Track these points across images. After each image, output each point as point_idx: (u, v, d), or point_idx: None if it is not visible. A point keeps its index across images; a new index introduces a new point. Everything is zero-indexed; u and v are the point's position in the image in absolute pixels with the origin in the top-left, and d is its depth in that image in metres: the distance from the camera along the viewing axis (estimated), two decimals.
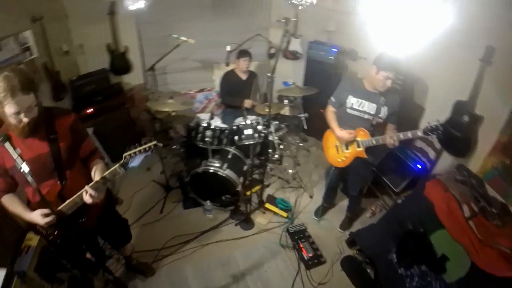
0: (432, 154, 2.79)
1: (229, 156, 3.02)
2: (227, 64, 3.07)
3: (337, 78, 3.35)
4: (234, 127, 2.98)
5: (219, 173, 2.80)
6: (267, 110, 2.53)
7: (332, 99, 2.46)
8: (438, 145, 2.67)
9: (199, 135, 2.94)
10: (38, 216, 1.51)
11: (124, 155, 1.52)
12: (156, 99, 2.96)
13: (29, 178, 1.51)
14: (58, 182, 1.60)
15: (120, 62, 3.48)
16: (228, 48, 2.93)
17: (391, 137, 2.11)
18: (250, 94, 3.43)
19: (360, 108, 2.32)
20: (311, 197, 3.28)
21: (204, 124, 2.94)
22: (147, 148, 1.52)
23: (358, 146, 2.35)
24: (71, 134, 1.64)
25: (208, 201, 3.00)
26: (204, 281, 2.49)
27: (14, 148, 1.48)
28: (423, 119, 2.83)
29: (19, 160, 1.48)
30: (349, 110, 2.37)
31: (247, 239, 2.83)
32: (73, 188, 1.56)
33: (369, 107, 2.28)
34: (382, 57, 2.16)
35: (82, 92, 3.24)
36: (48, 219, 1.51)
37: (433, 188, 2.15)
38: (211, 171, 2.81)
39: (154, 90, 3.23)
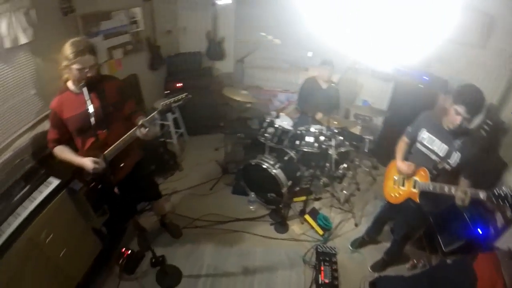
0: (500, 221, 2.31)
1: (285, 158, 3.08)
2: (306, 69, 3.12)
3: (425, 108, 3.02)
4: (298, 132, 3.02)
5: (269, 170, 2.89)
6: (335, 122, 2.49)
7: (409, 129, 2.22)
8: (510, 214, 2.20)
9: (262, 130, 3.08)
10: (88, 161, 1.82)
11: (161, 103, 1.81)
12: (232, 86, 3.21)
13: (92, 119, 1.77)
14: (105, 131, 1.93)
15: (215, 49, 3.88)
16: (310, 54, 2.98)
17: (463, 191, 1.71)
18: (327, 106, 3.36)
19: (428, 145, 2.05)
20: (356, 225, 3.09)
21: (268, 121, 3.06)
22: (180, 99, 1.80)
23: (414, 187, 2.10)
24: (117, 93, 1.98)
25: (253, 193, 3.14)
26: (217, 262, 2.66)
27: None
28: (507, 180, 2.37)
29: (89, 103, 1.76)
30: (418, 145, 2.12)
31: (274, 241, 2.87)
32: (116, 139, 1.87)
33: (439, 147, 1.99)
34: (462, 88, 1.85)
35: (176, 68, 3.80)
36: (97, 165, 1.82)
37: (485, 262, 1.82)
38: (263, 166, 2.92)
39: (239, 80, 3.53)
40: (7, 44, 2.00)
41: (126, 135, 1.88)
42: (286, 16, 3.84)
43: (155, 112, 1.84)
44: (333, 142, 2.92)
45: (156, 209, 2.84)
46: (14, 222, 1.84)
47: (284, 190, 2.91)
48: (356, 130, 3.08)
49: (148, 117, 1.87)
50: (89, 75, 1.78)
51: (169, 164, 3.56)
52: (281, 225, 2.97)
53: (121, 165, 2.06)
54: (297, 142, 2.98)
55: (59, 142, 1.95)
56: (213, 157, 3.82)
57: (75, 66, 1.73)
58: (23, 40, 2.09)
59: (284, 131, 3.04)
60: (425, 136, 2.07)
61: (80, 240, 2.33)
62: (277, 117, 3.12)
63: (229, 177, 3.53)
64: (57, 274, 2.13)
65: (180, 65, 3.81)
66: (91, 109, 1.75)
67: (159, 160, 3.46)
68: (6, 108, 2.11)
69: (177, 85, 3.73)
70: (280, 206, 3.08)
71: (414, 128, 2.18)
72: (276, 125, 3.02)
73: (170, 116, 3.65)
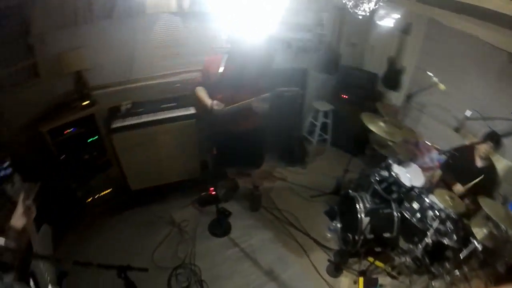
0: None
1: (384, 211, 2.68)
2: (457, 130, 2.40)
3: None
4: (414, 193, 2.52)
5: (358, 211, 2.65)
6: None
7: None
8: None
9: (377, 167, 2.79)
10: (211, 102, 2.47)
11: (276, 89, 2.23)
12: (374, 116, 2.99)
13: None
14: (231, 90, 2.51)
15: (391, 77, 3.63)
16: (468, 113, 2.26)
17: None
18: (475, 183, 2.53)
19: None
20: None
21: (389, 162, 2.72)
22: (291, 91, 2.07)
23: None
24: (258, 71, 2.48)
25: (338, 224, 2.99)
26: (258, 249, 2.91)
27: None
28: None
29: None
30: None
31: (315, 275, 2.72)
32: (239, 101, 2.46)
33: None
34: None
35: (348, 80, 3.90)
36: (216, 107, 2.46)
37: None
38: (356, 204, 2.71)
39: (401, 119, 3.22)
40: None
41: (244, 101, 2.45)
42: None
43: (269, 94, 2.26)
44: (435, 224, 2.25)
45: (254, 177, 3.36)
46: (154, 116, 2.97)
47: (360, 239, 2.60)
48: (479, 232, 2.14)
49: (262, 96, 2.33)
50: (229, 45, 2.46)
51: (296, 156, 3.90)
52: (335, 268, 2.72)
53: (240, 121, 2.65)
54: (405, 204, 2.51)
55: (201, 84, 2.71)
56: (338, 174, 3.78)
57: (223, 37, 2.45)
58: None
59: (397, 183, 2.62)
60: None
61: (185, 158, 3.22)
62: (399, 163, 2.69)
63: (334, 199, 3.46)
64: (155, 166, 3.21)
65: (353, 79, 3.89)
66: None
67: (289, 147, 3.87)
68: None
69: (343, 95, 3.90)
70: (349, 250, 2.78)
71: None
72: (392, 172, 2.65)
73: (320, 118, 3.91)
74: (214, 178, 3.47)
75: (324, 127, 4.07)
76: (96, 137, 2.96)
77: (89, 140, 2.93)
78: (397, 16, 3.47)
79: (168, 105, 3.14)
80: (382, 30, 3.66)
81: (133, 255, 2.84)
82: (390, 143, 2.74)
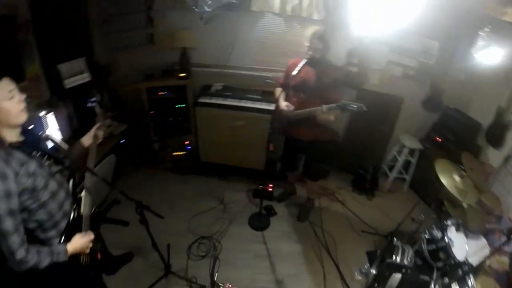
0: None
1: (419, 275, 2.23)
2: None
3: None
4: (461, 271, 2.03)
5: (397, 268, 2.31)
6: None
7: None
8: None
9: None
10: (284, 104, 2.65)
11: (342, 101, 2.26)
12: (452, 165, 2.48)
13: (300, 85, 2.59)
14: (304, 97, 2.60)
15: (495, 131, 2.83)
16: None
17: None
18: None
19: None
20: None
21: (447, 222, 2.25)
22: (357, 105, 2.17)
23: None
24: (330, 80, 2.48)
25: (372, 269, 2.68)
26: (276, 256, 2.93)
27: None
28: None
29: (295, 72, 2.54)
30: None
31: None
32: (307, 107, 2.51)
33: None
34: None
35: (448, 121, 3.32)
36: (286, 108, 2.62)
37: None
38: (393, 257, 2.36)
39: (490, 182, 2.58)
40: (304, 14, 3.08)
41: (310, 109, 2.50)
42: None
43: (335, 104, 2.27)
44: None
45: (308, 188, 3.34)
46: (237, 102, 3.35)
47: None
48: None
49: (328, 105, 2.34)
50: (310, 53, 2.50)
51: (365, 185, 3.62)
52: None
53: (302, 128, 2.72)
54: (446, 279, 2.05)
55: (281, 86, 2.86)
56: (401, 219, 3.32)
57: (307, 44, 2.50)
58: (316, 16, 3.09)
59: (447, 251, 2.15)
60: None
61: (255, 149, 3.41)
62: (458, 229, 2.19)
63: (383, 242, 3.08)
64: (225, 147, 3.55)
65: (453, 123, 3.26)
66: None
67: (362, 173, 3.64)
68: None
69: (437, 138, 3.35)
70: None
71: None
72: (447, 235, 2.18)
73: (404, 155, 3.47)
74: (277, 177, 3.62)
75: (406, 165, 3.61)
76: (184, 105, 3.51)
77: (177, 106, 3.51)
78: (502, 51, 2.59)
79: (253, 96, 3.44)
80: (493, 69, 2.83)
81: (175, 211, 3.31)
82: (464, 204, 2.25)
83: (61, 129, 2.73)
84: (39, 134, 1.70)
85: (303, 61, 2.56)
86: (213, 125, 3.48)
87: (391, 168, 3.68)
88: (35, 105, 2.52)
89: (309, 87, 2.59)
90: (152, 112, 3.46)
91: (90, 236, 1.76)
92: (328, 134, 2.84)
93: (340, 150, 3.76)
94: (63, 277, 1.67)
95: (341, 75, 2.71)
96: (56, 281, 1.69)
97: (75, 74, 2.82)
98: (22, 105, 1.44)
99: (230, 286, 2.56)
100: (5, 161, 1.36)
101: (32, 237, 1.56)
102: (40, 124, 2.37)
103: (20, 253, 1.36)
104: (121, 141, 3.51)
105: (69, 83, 2.75)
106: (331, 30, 2.73)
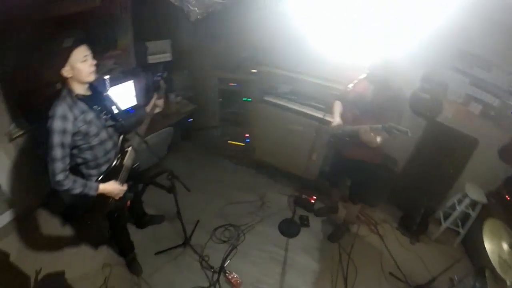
0: None
1: None
2: None
3: None
4: None
5: None
6: None
7: None
8: None
9: None
10: (337, 120, 2.59)
11: (389, 123, 2.09)
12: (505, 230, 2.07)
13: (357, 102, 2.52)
14: (359, 115, 2.50)
15: None
16: None
17: None
18: None
19: None
20: None
21: None
22: (401, 130, 2.01)
23: None
24: (385, 101, 2.29)
25: None
26: (290, 266, 2.91)
27: None
28: None
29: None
30: None
31: None
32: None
33: None
34: None
35: None
36: (335, 125, 2.57)
37: None
38: None
39: None
40: None
41: (354, 126, 2.41)
42: None
43: (380, 125, 2.16)
44: None
45: (348, 210, 3.22)
46: (299, 107, 3.40)
47: None
48: None
49: (375, 125, 2.23)
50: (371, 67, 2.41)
51: (412, 226, 3.28)
52: None
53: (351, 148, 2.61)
54: None
55: (339, 98, 2.79)
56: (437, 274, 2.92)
57: None
58: None
59: None
60: None
61: (308, 157, 3.42)
62: None
63: None
64: (279, 149, 3.63)
65: None
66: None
67: (413, 212, 3.29)
68: None
69: (506, 196, 2.80)
70: None
71: None
72: None
73: (464, 205, 2.99)
74: (323, 191, 3.56)
75: (464, 218, 3.12)
76: (250, 99, 3.70)
77: (243, 99, 3.72)
78: None
79: (317, 104, 3.42)
80: None
81: (215, 194, 3.57)
82: (508, 281, 1.85)
83: (137, 96, 3.22)
84: (103, 93, 2.09)
85: (363, 75, 2.49)
86: (270, 125, 3.59)
87: (446, 216, 3.23)
88: (121, 71, 3.04)
89: (364, 103, 2.46)
90: (220, 99, 3.79)
91: (124, 186, 2.08)
92: (377, 158, 2.63)
93: (395, 181, 3.47)
94: None
95: (402, 98, 2.46)
96: None
97: (159, 53, 3.28)
98: (92, 68, 1.83)
99: (235, 277, 2.68)
100: (69, 107, 1.77)
101: (76, 170, 1.96)
102: (104, 85, 2.80)
103: (59, 177, 1.75)
104: (189, 120, 3.93)
105: (152, 59, 3.23)
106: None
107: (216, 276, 2.70)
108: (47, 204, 3.08)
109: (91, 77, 1.84)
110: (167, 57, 3.33)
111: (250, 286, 2.69)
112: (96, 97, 1.96)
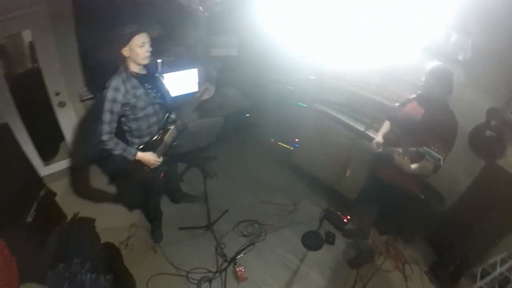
0: None
1: None
2: None
3: None
4: None
5: None
6: None
7: None
8: None
9: None
10: (378, 138, 2.49)
11: (424, 148, 2.01)
12: None
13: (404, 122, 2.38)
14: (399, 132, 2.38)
15: None
16: None
17: None
18: None
19: None
20: None
21: None
22: (436, 157, 1.93)
23: None
24: (436, 125, 2.13)
25: None
26: (300, 279, 2.84)
27: None
28: None
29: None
30: None
31: None
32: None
33: None
34: None
35: None
36: (375, 145, 2.48)
37: None
38: None
39: None
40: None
41: (390, 148, 2.33)
42: None
43: (415, 148, 2.04)
44: None
45: (374, 238, 3.04)
46: (346, 119, 3.29)
47: None
48: None
49: (407, 148, 2.13)
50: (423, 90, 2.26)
51: (443, 273, 2.94)
52: None
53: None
54: None
55: (387, 117, 2.64)
56: None
57: (422, 78, 2.23)
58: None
59: None
60: None
61: (350, 174, 3.27)
62: None
63: None
64: (319, 158, 3.54)
65: None
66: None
67: (448, 259, 2.98)
68: None
69: None
70: None
71: None
72: None
73: (505, 267, 2.55)
74: (358, 212, 3.38)
75: (503, 282, 2.67)
76: (304, 105, 3.65)
77: (298, 104, 3.67)
78: None
79: (365, 119, 3.22)
80: None
81: (249, 189, 3.69)
82: None
83: (199, 82, 3.45)
84: (155, 74, 2.41)
85: (413, 96, 2.35)
86: (317, 134, 3.53)
87: (484, 274, 2.80)
88: (187, 58, 3.35)
89: (409, 126, 2.29)
90: (276, 100, 3.84)
91: (160, 158, 2.33)
92: (413, 187, 2.38)
93: (436, 220, 3.12)
94: None
95: (455, 130, 2.17)
96: None
97: (223, 47, 3.51)
98: (147, 54, 2.15)
99: (243, 270, 2.76)
100: (123, 81, 2.12)
101: (122, 136, 2.28)
102: (156, 68, 3.07)
103: (104, 137, 2.12)
104: (246, 115, 4.10)
105: (215, 52, 3.47)
106: (470, 75, 2.33)
107: (225, 265, 2.79)
108: (99, 161, 3.58)
109: (146, 61, 2.17)
110: (230, 52, 3.56)
111: (254, 284, 2.73)
112: (148, 77, 2.28)
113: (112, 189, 3.44)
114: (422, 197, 2.43)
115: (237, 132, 4.52)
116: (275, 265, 2.91)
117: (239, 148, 4.38)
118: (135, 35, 2.05)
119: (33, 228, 2.36)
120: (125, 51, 2.08)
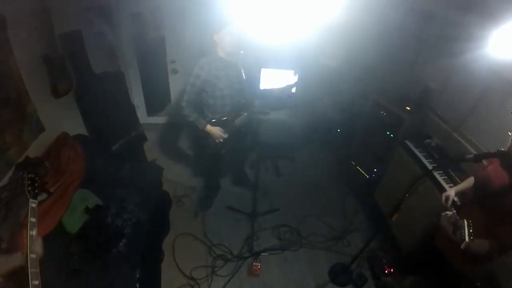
0: None
1: None
2: None
3: None
4: None
5: None
6: None
7: None
8: None
9: None
10: (450, 193, 2.04)
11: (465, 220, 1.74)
12: None
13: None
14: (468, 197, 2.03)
15: None
16: None
17: None
18: None
19: None
20: None
21: None
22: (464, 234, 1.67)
23: None
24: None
25: None
26: None
27: None
28: None
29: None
30: None
31: None
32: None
33: None
34: None
35: None
36: (445, 196, 2.06)
37: None
38: None
39: None
40: None
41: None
42: None
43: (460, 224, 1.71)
44: None
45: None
46: (434, 169, 2.69)
47: None
48: None
49: (466, 231, 1.73)
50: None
51: None
52: None
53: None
54: None
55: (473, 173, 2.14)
56: None
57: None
58: None
59: None
60: None
61: (413, 227, 2.79)
62: None
63: None
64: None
65: None
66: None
67: None
68: None
69: None
70: None
71: None
72: None
73: None
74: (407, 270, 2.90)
75: None
76: (392, 135, 3.31)
77: (387, 132, 3.36)
78: None
79: (455, 172, 2.61)
80: None
81: (307, 201, 3.68)
82: None
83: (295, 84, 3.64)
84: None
85: (493, 151, 1.85)
86: (399, 173, 3.09)
87: None
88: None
89: (486, 192, 1.79)
90: (365, 123, 3.62)
91: (225, 135, 2.63)
92: (470, 267, 1.89)
93: None
94: None
95: None
96: None
97: (330, 57, 3.56)
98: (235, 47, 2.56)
99: (259, 267, 2.83)
100: (209, 61, 2.57)
101: (200, 109, 2.79)
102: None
103: (183, 103, 2.67)
104: (338, 130, 4.05)
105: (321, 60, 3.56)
106: None
107: (247, 255, 2.94)
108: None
109: (232, 50, 2.55)
110: (332, 62, 3.55)
111: (260, 284, 2.77)
112: (233, 64, 2.63)
113: (189, 151, 4.12)
114: (478, 284, 1.92)
115: (323, 143, 4.46)
116: (290, 277, 2.86)
117: (318, 158, 4.35)
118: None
119: (114, 156, 2.98)
120: (216, 37, 2.52)
